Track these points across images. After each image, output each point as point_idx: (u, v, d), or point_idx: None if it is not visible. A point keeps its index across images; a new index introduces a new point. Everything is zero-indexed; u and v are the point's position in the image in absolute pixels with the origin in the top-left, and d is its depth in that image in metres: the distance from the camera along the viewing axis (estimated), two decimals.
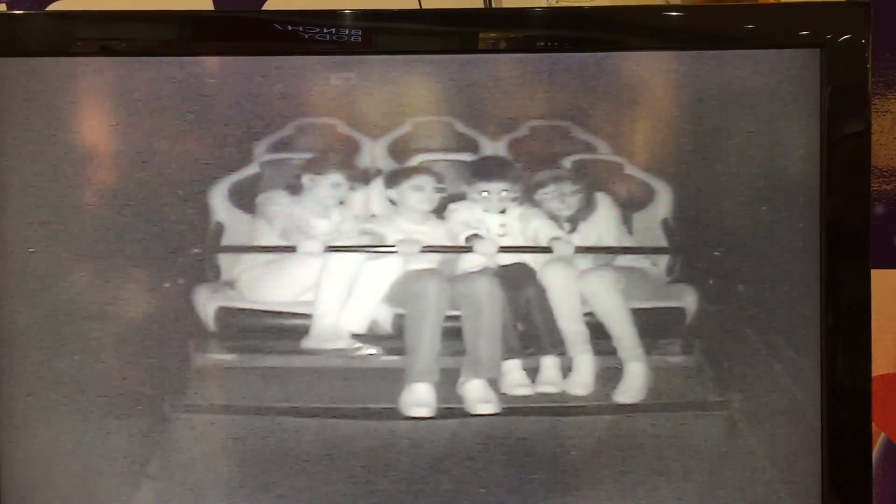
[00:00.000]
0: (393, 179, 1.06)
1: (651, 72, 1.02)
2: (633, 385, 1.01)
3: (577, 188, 1.06)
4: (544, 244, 1.05)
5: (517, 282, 1.03)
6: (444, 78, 1.02)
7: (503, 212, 1.07)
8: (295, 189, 1.06)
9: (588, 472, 1.01)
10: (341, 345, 1.02)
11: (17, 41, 0.98)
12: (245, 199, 1.04)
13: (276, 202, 1.06)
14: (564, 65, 1.01)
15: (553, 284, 1.03)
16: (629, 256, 1.07)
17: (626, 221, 1.08)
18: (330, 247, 1.03)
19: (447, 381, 1.01)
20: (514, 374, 1.01)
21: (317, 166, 1.06)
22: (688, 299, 1.03)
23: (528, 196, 1.06)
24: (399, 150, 1.05)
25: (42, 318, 0.99)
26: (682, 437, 1.01)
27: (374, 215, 1.07)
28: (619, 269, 1.06)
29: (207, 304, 1.02)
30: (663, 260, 1.06)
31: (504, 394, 1.01)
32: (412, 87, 1.03)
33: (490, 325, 1.01)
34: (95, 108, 1.00)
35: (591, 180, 1.06)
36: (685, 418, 1.02)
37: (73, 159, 1.00)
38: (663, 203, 1.04)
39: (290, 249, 1.03)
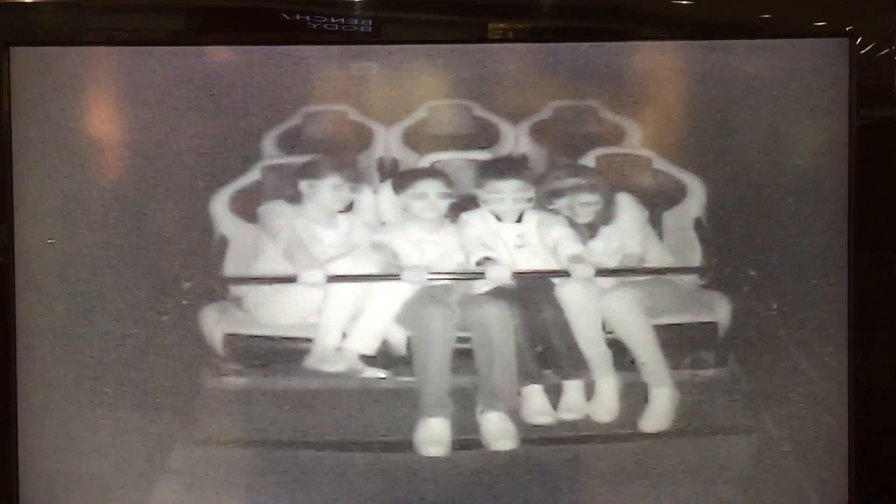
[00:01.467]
0: (401, 184, 1.01)
1: (678, 61, 0.98)
2: (659, 412, 0.96)
3: (595, 198, 1.01)
4: (564, 258, 0.99)
5: (533, 302, 0.98)
6: (459, 63, 0.98)
7: (519, 220, 1.02)
8: (295, 198, 1.02)
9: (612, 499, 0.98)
10: (340, 368, 0.98)
11: (31, 30, 0.98)
12: (248, 208, 1.01)
13: (278, 214, 1.01)
14: (588, 52, 0.97)
15: (571, 304, 0.97)
16: (656, 265, 1.02)
17: (657, 221, 1.02)
18: (332, 276, 0.98)
19: (467, 405, 0.97)
20: (535, 401, 0.96)
21: (314, 170, 1.01)
22: (720, 311, 0.98)
23: (544, 199, 1.01)
24: (414, 139, 1.02)
25: (61, 309, 0.98)
26: (708, 440, 0.97)
27: (384, 223, 1.02)
28: (645, 282, 1.00)
29: (215, 328, 0.99)
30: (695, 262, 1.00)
31: (525, 422, 0.96)
32: (425, 72, 0.99)
33: (501, 354, 0.96)
34: (110, 98, 0.98)
35: (615, 180, 1.00)
36: (712, 426, 0.97)
37: (91, 149, 0.98)
38: (696, 200, 0.99)
39: (291, 280, 0.99)
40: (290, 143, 1.00)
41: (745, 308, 0.97)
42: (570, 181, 1.00)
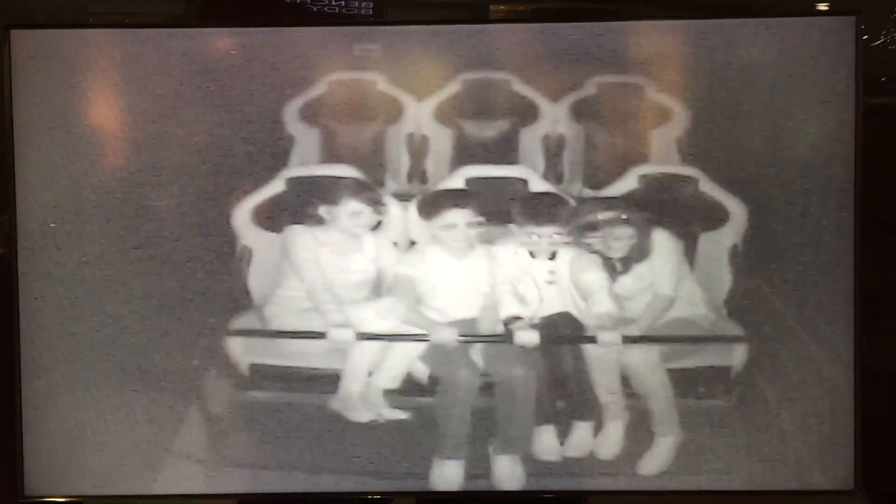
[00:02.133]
0: (428, 209, 1.00)
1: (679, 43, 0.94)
2: (659, 457, 1.00)
3: (630, 232, 0.98)
4: (593, 314, 0.98)
5: (556, 355, 0.99)
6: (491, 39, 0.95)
7: (552, 257, 1.00)
8: (318, 221, 1.00)
9: None
10: (364, 418, 1.00)
11: (32, 13, 0.96)
12: (271, 218, 0.99)
13: (301, 246, 0.99)
14: (593, 32, 0.94)
15: (594, 360, 0.98)
16: (681, 306, 1.00)
17: (692, 246, 1.00)
18: (360, 334, 0.98)
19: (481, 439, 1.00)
20: (545, 439, 1.00)
21: (333, 196, 0.99)
22: (735, 353, 0.99)
23: (577, 233, 0.99)
24: (446, 114, 0.98)
25: (64, 297, 0.98)
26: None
27: (413, 242, 1.01)
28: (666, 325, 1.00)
29: (243, 357, 1.00)
30: (721, 296, 0.99)
31: (533, 458, 1.00)
32: (454, 49, 0.95)
33: (521, 410, 0.99)
34: (112, 82, 0.95)
35: (657, 200, 0.98)
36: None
37: (94, 133, 0.96)
38: (735, 225, 0.98)
39: (319, 336, 0.99)
40: (311, 116, 0.98)
41: (756, 301, 0.98)
42: (605, 214, 0.98)
